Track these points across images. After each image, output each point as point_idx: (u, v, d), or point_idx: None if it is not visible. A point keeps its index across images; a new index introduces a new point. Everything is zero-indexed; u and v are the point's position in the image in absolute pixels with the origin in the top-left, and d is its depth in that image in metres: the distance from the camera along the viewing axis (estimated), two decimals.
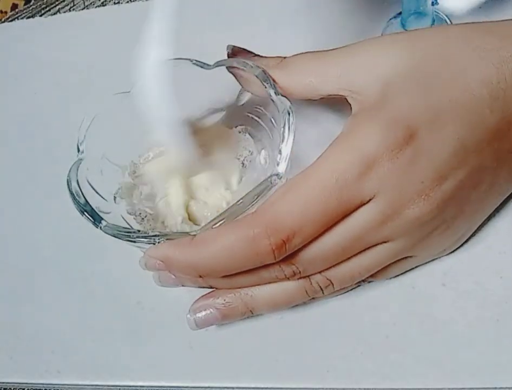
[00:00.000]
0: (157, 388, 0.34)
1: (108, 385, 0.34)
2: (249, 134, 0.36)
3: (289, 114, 0.30)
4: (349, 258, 0.29)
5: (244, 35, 0.36)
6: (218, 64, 0.33)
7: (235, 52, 0.34)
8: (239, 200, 0.28)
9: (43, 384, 0.36)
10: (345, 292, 0.32)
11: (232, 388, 0.33)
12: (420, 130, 0.27)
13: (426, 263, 0.32)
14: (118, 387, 0.34)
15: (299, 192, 0.27)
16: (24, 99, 0.48)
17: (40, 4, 0.54)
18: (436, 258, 0.32)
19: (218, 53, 0.34)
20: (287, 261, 0.28)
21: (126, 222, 0.33)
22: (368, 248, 0.29)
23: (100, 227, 0.30)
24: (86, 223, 0.30)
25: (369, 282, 0.32)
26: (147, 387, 0.34)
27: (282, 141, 0.29)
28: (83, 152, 0.33)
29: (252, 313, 0.31)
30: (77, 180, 0.31)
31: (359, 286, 0.32)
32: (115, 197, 0.34)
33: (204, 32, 0.44)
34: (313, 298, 0.31)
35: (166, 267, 0.29)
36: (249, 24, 0.44)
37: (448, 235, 0.30)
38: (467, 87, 0.28)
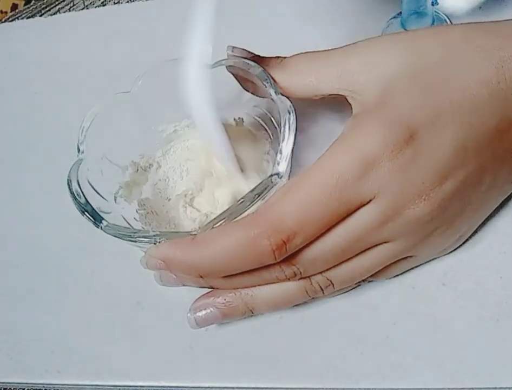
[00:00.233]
0: (157, 388, 0.34)
1: (108, 385, 0.34)
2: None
3: (289, 113, 0.30)
4: (349, 259, 0.29)
5: (245, 35, 0.36)
6: (218, 63, 0.33)
7: (235, 52, 0.34)
8: (240, 200, 0.28)
9: (43, 384, 0.35)
10: (345, 292, 0.32)
11: (233, 388, 0.33)
12: (421, 131, 0.27)
13: (426, 263, 0.32)
14: (118, 387, 0.34)
15: (299, 192, 0.27)
16: (24, 99, 0.48)
17: (40, 4, 0.54)
18: (436, 258, 0.32)
19: (218, 53, 0.34)
20: (288, 262, 0.28)
21: (127, 222, 0.33)
22: (369, 248, 0.29)
23: (101, 227, 0.30)
24: (86, 223, 0.30)
25: (369, 282, 0.32)
26: (147, 387, 0.34)
27: (283, 140, 0.29)
28: (83, 152, 0.33)
29: (252, 312, 0.31)
30: (78, 180, 0.31)
31: (358, 285, 0.32)
32: (115, 197, 0.34)
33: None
34: (313, 298, 0.31)
35: (167, 267, 0.29)
36: (249, 24, 0.44)
37: (448, 235, 0.30)
38: (467, 87, 0.28)
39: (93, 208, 0.30)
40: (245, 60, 0.33)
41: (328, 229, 0.27)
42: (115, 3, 0.51)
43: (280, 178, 0.29)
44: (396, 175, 0.27)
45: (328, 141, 0.28)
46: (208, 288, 0.31)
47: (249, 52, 0.34)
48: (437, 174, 0.27)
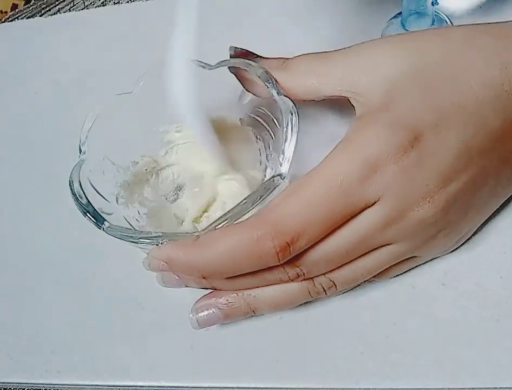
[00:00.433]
0: (157, 388, 0.34)
1: (108, 385, 0.34)
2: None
3: (292, 114, 0.30)
4: (352, 260, 0.29)
5: (246, 36, 0.36)
6: (220, 64, 0.33)
7: (237, 53, 0.34)
8: (242, 201, 0.28)
9: (43, 384, 0.36)
10: (346, 292, 0.32)
11: (233, 388, 0.33)
12: (425, 133, 0.27)
13: (426, 263, 0.33)
14: (118, 387, 0.34)
15: (303, 194, 0.27)
16: (24, 99, 0.48)
17: (40, 4, 0.54)
18: (436, 258, 0.33)
19: (220, 53, 0.34)
20: (291, 264, 0.28)
21: (129, 223, 0.33)
22: (372, 250, 0.29)
23: (103, 228, 0.29)
24: (87, 223, 0.30)
25: (370, 282, 0.32)
26: (147, 387, 0.34)
27: (285, 141, 0.29)
28: (84, 153, 0.33)
29: (254, 313, 0.31)
30: (79, 181, 0.31)
31: (359, 285, 0.32)
32: (117, 198, 0.34)
33: (206, 32, 0.44)
34: (314, 299, 0.31)
35: (169, 268, 0.29)
36: (251, 25, 0.44)
37: (451, 236, 0.30)
38: (470, 89, 0.28)
39: (95, 209, 0.30)
40: (247, 61, 0.33)
41: (332, 231, 0.27)
42: (115, 3, 0.51)
43: (283, 179, 0.29)
44: (400, 177, 0.27)
45: (330, 142, 0.28)
46: (210, 289, 0.31)
47: (251, 53, 0.34)
48: (441, 176, 0.27)
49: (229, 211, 0.28)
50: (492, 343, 0.30)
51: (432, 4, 0.37)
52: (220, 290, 0.31)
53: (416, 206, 0.27)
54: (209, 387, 0.33)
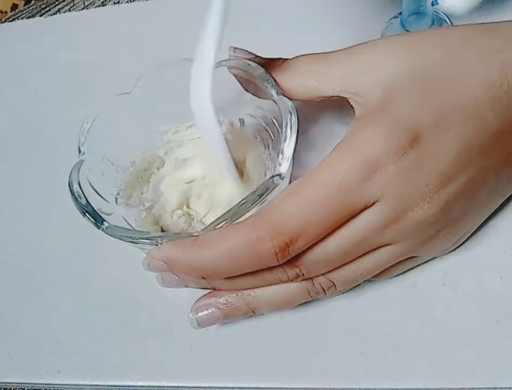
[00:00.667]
0: (157, 388, 0.34)
1: (108, 385, 0.34)
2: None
3: (291, 114, 0.30)
4: (352, 260, 0.29)
5: (246, 37, 0.36)
6: (219, 64, 0.33)
7: (237, 53, 0.34)
8: (242, 201, 0.28)
9: (43, 384, 0.36)
10: (345, 292, 0.32)
11: (233, 388, 0.33)
12: (424, 134, 0.27)
13: (426, 263, 0.33)
14: (118, 387, 0.34)
15: (302, 195, 0.27)
16: (24, 99, 0.48)
17: (40, 4, 0.54)
18: (436, 258, 0.32)
19: (220, 53, 0.34)
20: (290, 264, 0.28)
21: (128, 223, 0.33)
22: (372, 250, 0.29)
23: (102, 229, 0.29)
24: (86, 224, 0.30)
25: (370, 282, 0.32)
26: (147, 387, 0.34)
27: (284, 141, 0.29)
28: (84, 153, 0.33)
29: (254, 313, 0.31)
30: (79, 181, 0.31)
31: (358, 285, 0.32)
32: (116, 199, 0.34)
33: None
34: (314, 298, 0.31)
35: (169, 268, 0.29)
36: (250, 26, 0.44)
37: (451, 236, 0.30)
38: (470, 89, 0.28)
39: (94, 210, 0.30)
40: (247, 61, 0.33)
41: (332, 232, 0.27)
42: (115, 3, 0.51)
43: (282, 179, 0.29)
44: (400, 177, 0.27)
45: (329, 142, 0.28)
46: (210, 289, 0.31)
47: (250, 53, 0.34)
48: (440, 176, 0.27)
49: (228, 211, 0.28)
50: (492, 343, 0.30)
51: (432, 4, 0.37)
52: (220, 289, 0.31)
53: (415, 206, 0.27)
54: (208, 387, 0.33)
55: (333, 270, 0.29)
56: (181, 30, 0.43)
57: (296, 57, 0.33)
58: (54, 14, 0.52)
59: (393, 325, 0.32)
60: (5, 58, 0.51)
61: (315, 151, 0.29)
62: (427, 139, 0.27)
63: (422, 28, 0.38)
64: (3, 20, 0.55)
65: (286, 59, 0.33)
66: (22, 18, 0.54)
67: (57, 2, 0.53)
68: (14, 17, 0.54)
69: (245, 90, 0.34)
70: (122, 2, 0.51)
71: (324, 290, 0.30)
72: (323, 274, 0.29)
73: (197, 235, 0.28)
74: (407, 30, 0.39)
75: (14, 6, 0.60)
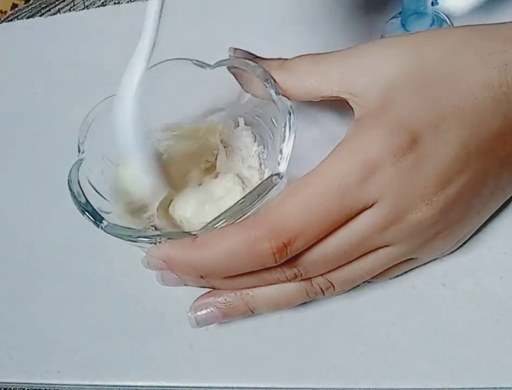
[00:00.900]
0: (157, 388, 0.34)
1: (108, 385, 0.34)
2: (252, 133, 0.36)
3: (290, 113, 0.30)
4: (351, 261, 0.29)
5: (245, 37, 0.36)
6: (218, 64, 0.33)
7: (236, 54, 0.34)
8: (240, 200, 0.28)
9: (43, 384, 0.36)
10: (345, 292, 0.32)
11: (233, 388, 0.33)
12: (423, 135, 0.27)
13: (426, 263, 0.33)
14: (118, 387, 0.34)
15: (301, 196, 0.27)
16: (24, 99, 0.48)
17: (40, 4, 0.54)
18: (436, 258, 0.32)
19: (219, 53, 0.34)
20: (289, 264, 0.28)
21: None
22: (370, 251, 0.29)
23: (102, 227, 0.29)
24: (86, 223, 0.30)
25: (369, 282, 0.32)
26: (147, 387, 0.34)
27: (283, 140, 0.29)
28: (83, 152, 0.33)
29: (253, 312, 0.31)
30: (78, 180, 0.31)
31: (358, 285, 0.32)
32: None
33: (205, 32, 0.44)
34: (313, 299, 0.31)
35: (168, 267, 0.29)
36: (250, 26, 0.44)
37: (450, 238, 0.30)
38: (469, 91, 0.27)
39: (93, 208, 0.30)
40: (246, 61, 0.33)
41: (330, 233, 0.27)
42: (115, 3, 0.51)
43: (281, 178, 0.29)
44: (398, 179, 0.27)
45: (329, 142, 0.28)
46: (209, 288, 0.31)
47: (250, 53, 0.34)
48: (439, 178, 0.27)
49: (227, 210, 0.28)
50: (492, 343, 0.30)
51: (432, 4, 0.37)
52: (219, 289, 0.31)
53: (414, 208, 0.27)
54: (208, 387, 0.33)
55: (332, 270, 0.29)
56: (181, 30, 0.43)
57: (296, 57, 0.33)
58: (54, 14, 0.52)
59: (393, 325, 0.32)
60: (5, 58, 0.51)
61: (314, 152, 0.29)
62: (427, 140, 0.27)
63: (422, 28, 0.38)
64: (3, 20, 0.55)
65: (285, 59, 0.33)
66: (22, 18, 0.54)
67: (57, 2, 0.53)
68: (14, 17, 0.54)
69: (245, 90, 0.34)
70: (122, 3, 0.51)
71: (322, 291, 0.30)
72: (321, 274, 0.29)
73: (195, 235, 0.28)
74: (407, 30, 0.39)
75: (14, 6, 0.60)
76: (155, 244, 0.29)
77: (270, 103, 0.31)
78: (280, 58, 0.33)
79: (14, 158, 0.45)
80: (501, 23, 0.30)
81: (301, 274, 0.29)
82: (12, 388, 0.36)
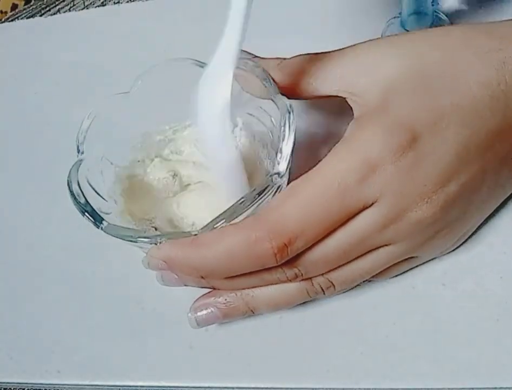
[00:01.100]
0: (157, 388, 0.34)
1: (108, 385, 0.34)
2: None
3: (289, 112, 0.30)
4: (351, 261, 0.29)
5: (246, 37, 0.36)
6: None
7: None
8: (240, 199, 0.28)
9: (42, 384, 0.35)
10: (345, 292, 0.32)
11: (233, 388, 0.33)
12: (423, 134, 0.27)
13: (426, 263, 0.33)
14: (118, 387, 0.34)
15: (301, 195, 0.27)
16: (24, 99, 0.48)
17: (40, 4, 0.54)
18: (436, 258, 0.32)
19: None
20: (289, 264, 0.28)
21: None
22: (370, 250, 0.29)
23: (101, 228, 0.29)
24: (86, 223, 0.30)
25: (369, 281, 0.32)
26: (147, 386, 0.34)
27: (283, 140, 0.29)
28: (83, 153, 0.33)
29: (253, 312, 0.31)
30: (78, 181, 0.31)
31: (358, 285, 0.32)
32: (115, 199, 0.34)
33: (205, 32, 0.44)
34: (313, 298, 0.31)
35: (168, 267, 0.29)
36: (250, 26, 0.44)
37: (450, 236, 0.30)
38: (468, 89, 0.28)
39: (93, 209, 0.30)
40: (246, 61, 0.33)
41: (330, 232, 0.27)
42: (115, 3, 0.51)
43: (281, 178, 0.28)
44: (398, 178, 0.27)
45: (328, 142, 0.28)
46: (209, 288, 0.31)
47: (249, 53, 0.34)
48: (439, 176, 0.27)
49: (227, 209, 0.28)
50: (492, 343, 0.30)
51: (432, 4, 0.37)
52: (219, 289, 0.31)
53: (414, 206, 0.27)
54: (208, 387, 0.33)
55: (332, 270, 0.29)
56: (181, 29, 0.43)
57: (295, 56, 0.33)
58: (54, 14, 0.52)
59: (393, 325, 0.32)
60: (5, 58, 0.51)
61: (313, 151, 0.29)
62: (426, 139, 0.27)
63: (422, 28, 0.38)
64: (3, 20, 0.55)
65: (284, 59, 0.33)
66: (22, 18, 0.54)
67: (57, 2, 0.53)
68: (14, 17, 0.54)
69: (244, 89, 0.34)
70: (122, 2, 0.51)
71: (323, 290, 0.30)
72: (322, 274, 0.29)
73: (195, 235, 0.28)
74: (407, 30, 0.39)
75: (14, 6, 0.60)
76: (155, 244, 0.29)
77: (269, 102, 0.31)
78: (278, 58, 0.33)
79: (14, 158, 0.45)
80: (500, 21, 0.30)
81: (302, 274, 0.29)
82: (12, 388, 0.36)
